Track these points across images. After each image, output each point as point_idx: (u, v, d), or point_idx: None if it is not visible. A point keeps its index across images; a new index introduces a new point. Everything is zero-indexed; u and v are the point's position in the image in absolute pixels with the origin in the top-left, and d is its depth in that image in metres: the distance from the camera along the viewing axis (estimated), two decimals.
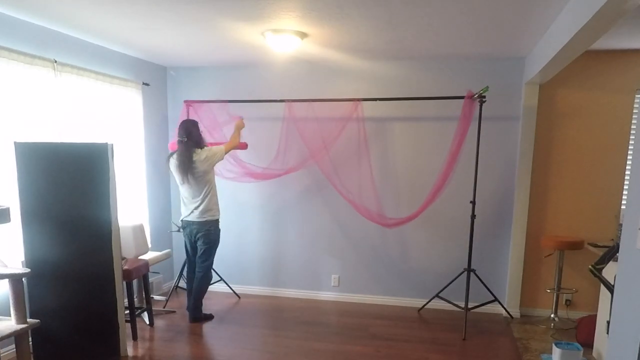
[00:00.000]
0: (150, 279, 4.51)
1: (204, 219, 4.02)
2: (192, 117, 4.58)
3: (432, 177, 4.27)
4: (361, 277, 4.80)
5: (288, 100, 4.43)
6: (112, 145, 3.17)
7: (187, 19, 3.25)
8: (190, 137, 3.90)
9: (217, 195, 4.12)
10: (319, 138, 4.41)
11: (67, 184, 3.13)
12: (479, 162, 4.04)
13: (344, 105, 4.34)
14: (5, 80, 3.12)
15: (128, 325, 3.64)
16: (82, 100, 3.76)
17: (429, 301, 4.49)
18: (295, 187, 4.80)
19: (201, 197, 3.98)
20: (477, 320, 4.26)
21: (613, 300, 1.82)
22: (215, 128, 4.62)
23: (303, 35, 3.55)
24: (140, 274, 3.82)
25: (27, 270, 2.90)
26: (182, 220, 4.14)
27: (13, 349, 3.07)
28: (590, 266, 3.21)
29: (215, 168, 4.17)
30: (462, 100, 4.01)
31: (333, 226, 4.79)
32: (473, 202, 4.05)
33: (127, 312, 3.66)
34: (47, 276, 3.16)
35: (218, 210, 4.12)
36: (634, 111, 4.10)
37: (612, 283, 2.44)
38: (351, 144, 4.45)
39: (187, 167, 3.88)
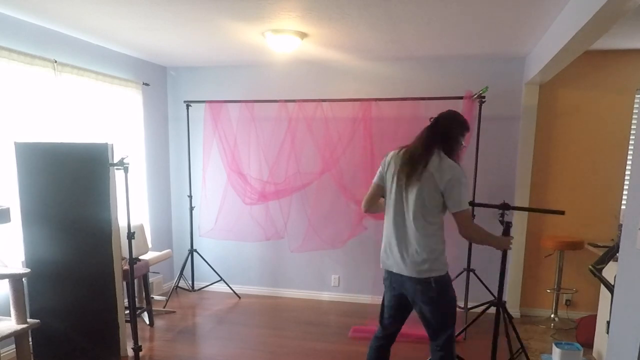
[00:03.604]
0: (150, 279, 4.51)
1: None
2: (212, 120, 4.60)
3: None
4: (361, 277, 4.80)
5: (299, 101, 4.43)
6: (112, 145, 3.16)
7: (187, 19, 3.25)
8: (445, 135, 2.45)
9: None
10: (326, 139, 4.42)
11: (67, 184, 3.13)
12: (478, 162, 4.04)
13: (348, 106, 4.34)
14: (5, 80, 3.12)
15: (128, 325, 3.64)
16: (82, 100, 3.76)
17: None
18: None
19: None
20: (477, 320, 4.25)
21: (613, 300, 1.82)
22: (230, 133, 4.64)
23: (303, 35, 3.55)
24: (140, 274, 3.82)
25: (27, 270, 2.90)
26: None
27: (13, 349, 3.07)
28: (590, 266, 3.21)
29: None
30: (462, 100, 4.01)
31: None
32: (472, 202, 4.05)
33: (127, 312, 3.66)
34: (47, 276, 3.16)
35: None
36: (634, 111, 4.10)
37: (612, 283, 2.44)
38: (352, 144, 4.45)
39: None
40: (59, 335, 3.21)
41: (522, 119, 4.25)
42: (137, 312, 3.89)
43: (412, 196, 2.34)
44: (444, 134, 2.42)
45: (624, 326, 1.64)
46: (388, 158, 2.51)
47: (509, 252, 4.39)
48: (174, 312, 4.46)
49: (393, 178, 2.43)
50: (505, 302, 3.13)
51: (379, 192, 2.55)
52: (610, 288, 2.99)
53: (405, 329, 4.04)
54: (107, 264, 3.20)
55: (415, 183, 2.32)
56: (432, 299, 2.39)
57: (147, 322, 4.12)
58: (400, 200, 2.40)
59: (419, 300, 2.42)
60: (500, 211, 2.86)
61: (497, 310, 3.04)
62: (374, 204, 2.60)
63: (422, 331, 4.00)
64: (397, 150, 2.51)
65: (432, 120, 2.50)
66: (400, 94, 4.34)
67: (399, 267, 2.41)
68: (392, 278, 2.49)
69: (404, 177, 2.37)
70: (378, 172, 2.57)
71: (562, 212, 2.83)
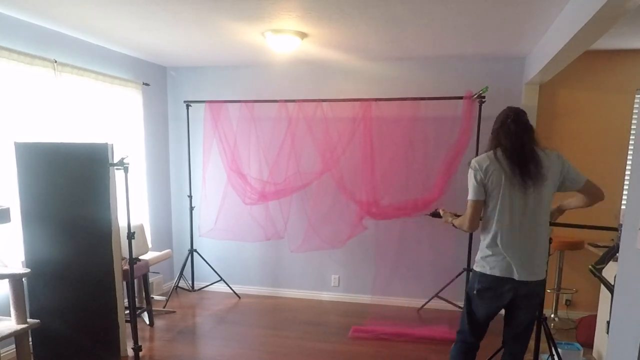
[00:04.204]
0: (150, 279, 4.51)
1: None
2: (212, 120, 4.59)
3: (432, 178, 4.27)
4: (361, 277, 4.80)
5: (299, 101, 4.43)
6: (112, 145, 3.16)
7: (187, 19, 3.25)
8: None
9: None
10: (326, 139, 4.43)
11: (67, 184, 3.13)
12: None
13: (348, 106, 4.34)
14: (5, 80, 3.12)
15: (128, 325, 3.65)
16: (82, 100, 3.76)
17: (429, 301, 4.49)
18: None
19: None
20: None
21: (613, 300, 1.82)
22: (230, 133, 4.65)
23: (303, 35, 3.55)
24: (140, 274, 3.82)
25: (27, 270, 2.90)
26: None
27: (13, 349, 3.07)
28: (590, 266, 3.21)
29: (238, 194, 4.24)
30: (462, 100, 4.02)
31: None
32: None
33: (127, 312, 3.66)
34: (47, 276, 3.16)
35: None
36: (634, 111, 4.10)
37: (612, 283, 2.44)
38: (352, 144, 4.45)
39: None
40: (59, 335, 3.20)
41: None
42: (137, 312, 3.89)
43: (534, 197, 2.28)
44: (530, 127, 2.39)
45: (624, 326, 1.64)
46: (485, 165, 2.34)
47: None
48: (174, 312, 4.46)
49: (504, 182, 2.29)
50: (546, 317, 2.99)
51: (482, 207, 2.40)
52: (610, 288, 2.99)
53: (405, 329, 4.05)
54: (107, 264, 3.20)
55: (534, 184, 2.26)
56: (539, 300, 2.47)
57: (147, 322, 4.12)
58: (522, 204, 2.29)
59: (530, 303, 2.41)
60: None
61: (538, 326, 2.92)
62: (478, 221, 2.44)
63: (421, 331, 4.03)
64: (488, 155, 2.37)
65: (509, 118, 2.42)
66: (400, 94, 4.34)
67: (521, 272, 2.30)
68: (506, 286, 2.34)
69: (521, 179, 2.26)
70: (475, 187, 2.37)
71: (615, 229, 2.81)
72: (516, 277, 2.31)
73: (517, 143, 2.31)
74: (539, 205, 2.30)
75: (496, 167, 2.32)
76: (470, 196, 2.41)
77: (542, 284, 2.39)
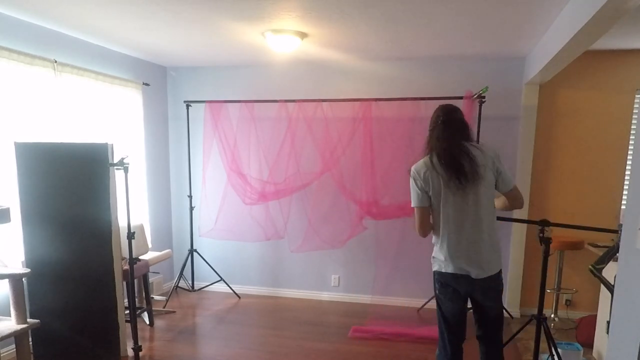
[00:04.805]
0: (150, 279, 4.51)
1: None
2: (212, 120, 4.60)
3: None
4: (361, 277, 4.80)
5: (299, 101, 4.44)
6: (112, 145, 3.16)
7: (187, 20, 3.25)
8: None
9: None
10: (326, 139, 4.43)
11: (67, 184, 3.13)
12: None
13: (348, 106, 4.34)
14: (5, 80, 3.12)
15: (128, 325, 3.64)
16: (82, 100, 3.76)
17: (429, 301, 4.49)
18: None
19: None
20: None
21: (613, 300, 1.82)
22: (230, 133, 4.64)
23: (303, 35, 3.55)
24: (140, 274, 3.82)
25: (27, 270, 2.90)
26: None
27: (13, 349, 3.07)
28: (590, 266, 3.21)
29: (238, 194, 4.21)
30: (462, 100, 4.01)
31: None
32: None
33: (127, 312, 3.66)
34: (47, 276, 3.16)
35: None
36: (634, 111, 4.10)
37: (612, 283, 2.44)
38: (352, 144, 4.44)
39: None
40: (59, 335, 3.20)
41: (522, 119, 4.25)
42: (137, 312, 3.89)
43: (474, 196, 2.28)
44: (464, 125, 2.41)
45: (624, 326, 1.64)
46: (422, 173, 2.34)
47: (509, 252, 4.41)
48: (174, 312, 4.46)
49: (443, 187, 2.30)
50: (546, 317, 2.98)
51: (428, 212, 2.41)
52: (610, 288, 2.99)
53: (405, 329, 4.05)
54: (107, 264, 3.19)
55: (473, 182, 2.26)
56: (500, 292, 2.45)
57: (147, 322, 4.12)
58: (463, 205, 2.30)
59: (490, 298, 2.42)
60: (540, 227, 2.77)
61: (538, 326, 2.92)
62: (429, 226, 2.46)
63: (422, 331, 4.03)
64: (424, 161, 2.37)
65: (439, 119, 2.40)
66: (400, 94, 4.34)
67: (476, 271, 2.33)
68: (461, 282, 2.38)
69: (458, 182, 2.26)
70: (417, 193, 2.37)
71: (615, 231, 2.76)
72: (472, 274, 2.35)
73: (449, 144, 2.30)
74: (480, 204, 2.30)
75: (433, 173, 2.33)
76: (414, 203, 2.42)
77: (496, 277, 2.39)
